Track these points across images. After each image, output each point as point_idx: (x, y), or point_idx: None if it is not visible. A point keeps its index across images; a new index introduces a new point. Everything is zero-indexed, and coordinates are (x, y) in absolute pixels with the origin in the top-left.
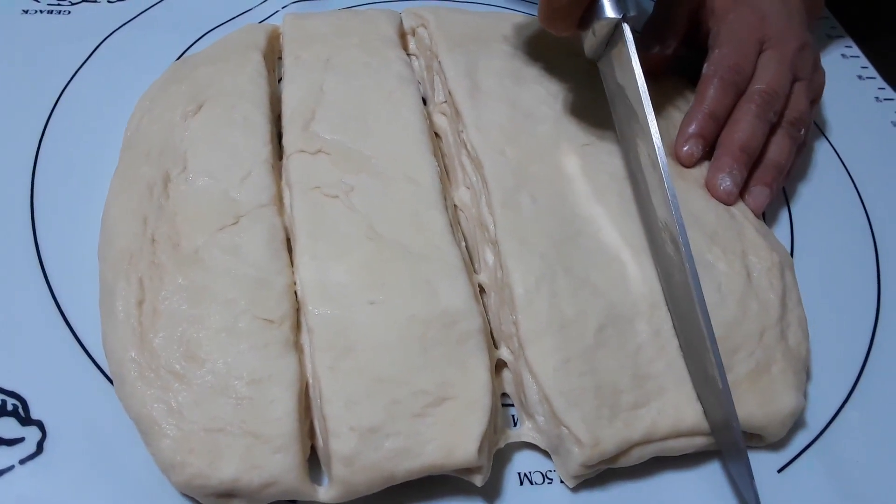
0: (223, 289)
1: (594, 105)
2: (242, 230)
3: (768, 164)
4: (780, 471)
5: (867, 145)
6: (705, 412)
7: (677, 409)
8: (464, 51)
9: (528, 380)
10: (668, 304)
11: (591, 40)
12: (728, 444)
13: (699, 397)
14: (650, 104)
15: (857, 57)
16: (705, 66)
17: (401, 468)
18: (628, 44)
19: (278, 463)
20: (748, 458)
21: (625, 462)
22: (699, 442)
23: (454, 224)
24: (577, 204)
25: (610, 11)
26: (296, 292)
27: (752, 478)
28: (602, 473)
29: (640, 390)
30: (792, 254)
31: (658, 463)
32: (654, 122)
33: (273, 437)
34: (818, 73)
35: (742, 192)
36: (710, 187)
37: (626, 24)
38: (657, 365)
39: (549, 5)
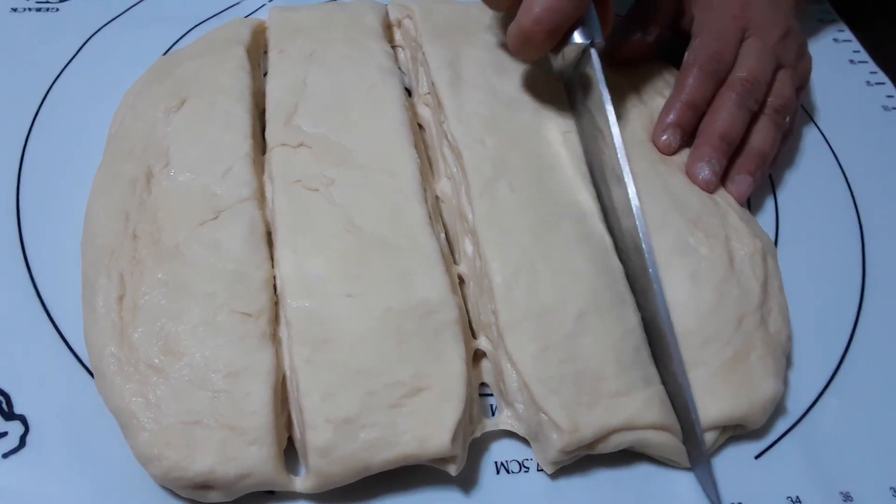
0: (202, 283)
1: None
2: (222, 225)
3: (751, 152)
4: (757, 457)
5: (857, 131)
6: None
7: (663, 403)
8: (447, 41)
9: (507, 368)
10: (637, 306)
11: (559, 62)
12: (693, 450)
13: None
14: (618, 128)
15: (850, 41)
16: (686, 54)
17: (376, 459)
18: (596, 69)
19: (253, 455)
20: (711, 464)
21: (603, 448)
22: (676, 444)
23: (434, 216)
24: (557, 191)
25: (578, 37)
26: (275, 286)
27: (715, 483)
28: (580, 463)
29: (624, 378)
30: (777, 241)
31: (635, 456)
32: (622, 146)
33: (248, 429)
34: (804, 59)
35: (724, 180)
36: (691, 176)
37: (593, 49)
38: (642, 354)
39: (521, 36)
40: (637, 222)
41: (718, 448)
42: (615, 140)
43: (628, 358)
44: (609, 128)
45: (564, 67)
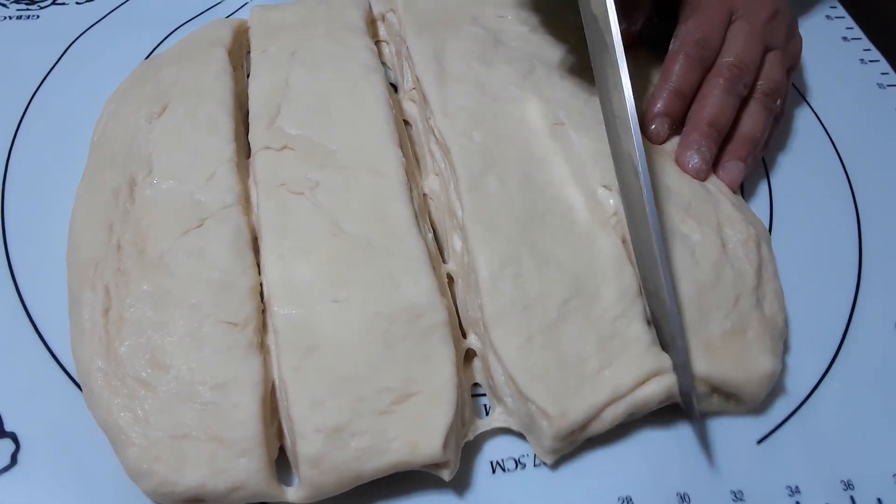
0: (188, 293)
1: (563, 84)
2: (207, 232)
3: (742, 137)
4: (759, 442)
5: (851, 110)
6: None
7: (639, 356)
8: (431, 34)
9: (493, 363)
10: (631, 239)
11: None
12: (678, 362)
13: (653, 316)
14: (619, 36)
15: (843, 17)
16: (672, 40)
17: (368, 467)
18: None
19: (243, 467)
20: (692, 372)
21: (598, 427)
22: (666, 383)
23: (421, 215)
24: (546, 183)
25: None
26: (262, 293)
27: (694, 390)
28: (578, 454)
29: (604, 352)
30: (771, 226)
31: (633, 443)
32: (622, 52)
33: (237, 441)
34: (794, 40)
35: (715, 167)
36: (680, 164)
37: None
38: (621, 322)
39: None
40: (634, 138)
41: (721, 431)
42: (619, 58)
43: (608, 330)
44: (612, 41)
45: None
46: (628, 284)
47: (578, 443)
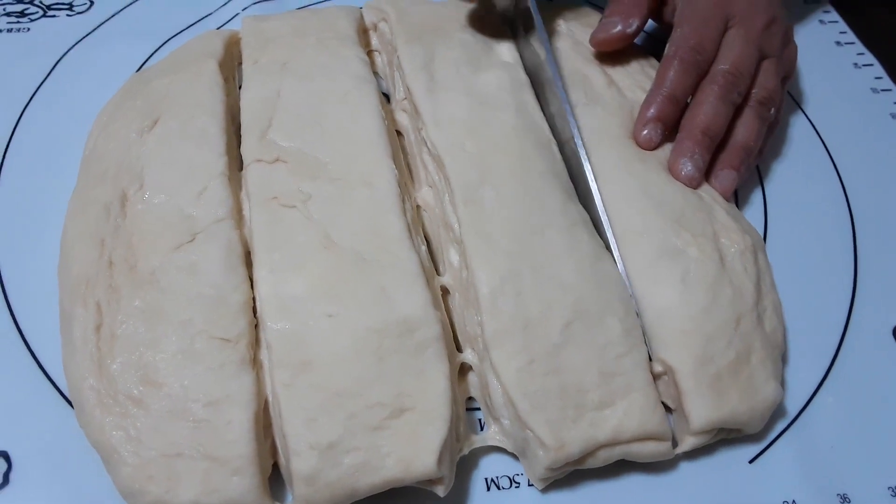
0: (179, 309)
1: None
2: (198, 247)
3: (735, 146)
4: (751, 461)
5: (845, 115)
6: None
7: (643, 410)
8: (422, 43)
9: (492, 382)
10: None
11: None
12: None
13: None
14: (552, 56)
15: (836, 22)
16: (667, 46)
17: (362, 484)
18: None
19: (236, 485)
20: None
21: (592, 463)
22: (663, 449)
23: (414, 227)
24: (543, 194)
25: None
26: (254, 307)
27: None
28: (571, 477)
29: (607, 388)
30: (765, 234)
31: (626, 465)
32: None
33: (230, 459)
34: (789, 48)
35: (708, 175)
36: (673, 172)
37: None
38: (625, 361)
39: None
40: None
41: (711, 452)
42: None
43: (611, 367)
44: (549, 61)
45: (506, 6)
46: (634, 324)
47: (569, 472)
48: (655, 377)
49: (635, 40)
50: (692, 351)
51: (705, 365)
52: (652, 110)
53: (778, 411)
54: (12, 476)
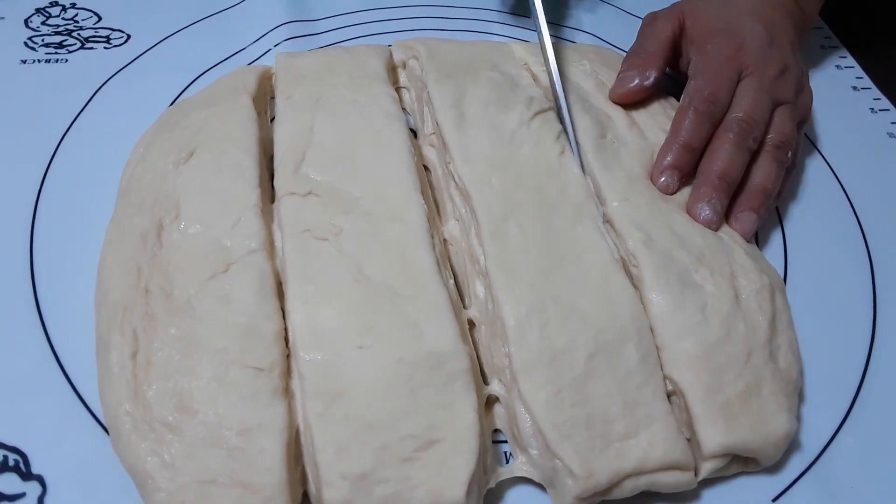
0: (214, 338)
1: (577, 121)
2: (233, 277)
3: (753, 188)
4: (774, 500)
5: (862, 159)
6: None
7: (666, 440)
8: (452, 81)
9: (521, 413)
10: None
11: None
12: None
13: None
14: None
15: (852, 67)
16: (682, 96)
17: None
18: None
19: None
20: None
21: (619, 494)
22: (687, 479)
23: (442, 261)
24: (560, 227)
25: None
26: (287, 337)
27: None
28: None
29: (631, 418)
30: (786, 275)
31: (651, 496)
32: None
33: (262, 486)
34: (804, 93)
35: (728, 217)
36: (692, 216)
37: None
38: (645, 392)
39: None
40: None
41: (733, 490)
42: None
43: (633, 397)
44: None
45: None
46: (648, 349)
47: (596, 503)
48: (668, 395)
49: None
50: (702, 378)
51: (714, 392)
52: (669, 158)
53: (798, 449)
54: (47, 500)
